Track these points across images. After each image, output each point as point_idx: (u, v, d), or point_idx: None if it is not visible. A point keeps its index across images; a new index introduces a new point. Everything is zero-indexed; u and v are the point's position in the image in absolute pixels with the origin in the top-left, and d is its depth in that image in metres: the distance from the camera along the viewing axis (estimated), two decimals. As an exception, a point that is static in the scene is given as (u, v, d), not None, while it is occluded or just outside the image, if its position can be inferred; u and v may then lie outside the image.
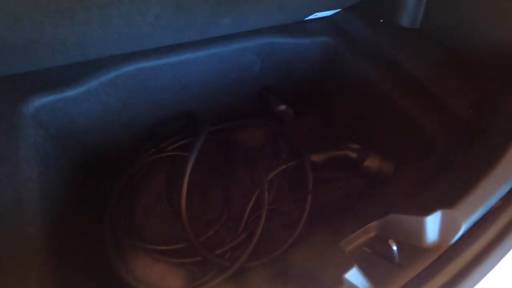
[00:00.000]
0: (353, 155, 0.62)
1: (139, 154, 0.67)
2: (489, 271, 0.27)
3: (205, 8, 0.50)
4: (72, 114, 0.51)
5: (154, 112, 0.64)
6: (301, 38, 0.68)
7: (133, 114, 0.62)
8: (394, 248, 0.28)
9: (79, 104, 0.51)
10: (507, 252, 0.28)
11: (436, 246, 0.28)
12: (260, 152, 0.65)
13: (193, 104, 0.68)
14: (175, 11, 0.47)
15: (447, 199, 0.30)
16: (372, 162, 0.60)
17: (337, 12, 0.72)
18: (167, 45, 0.58)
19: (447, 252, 0.28)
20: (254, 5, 0.55)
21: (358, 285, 0.27)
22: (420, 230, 0.28)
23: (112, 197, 0.58)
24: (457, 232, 0.28)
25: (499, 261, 0.27)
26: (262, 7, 0.57)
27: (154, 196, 0.64)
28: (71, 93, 0.49)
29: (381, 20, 0.68)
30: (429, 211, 0.29)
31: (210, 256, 0.49)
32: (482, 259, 0.27)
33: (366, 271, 0.28)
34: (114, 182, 0.61)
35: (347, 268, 0.27)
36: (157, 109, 0.64)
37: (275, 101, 0.73)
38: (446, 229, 0.28)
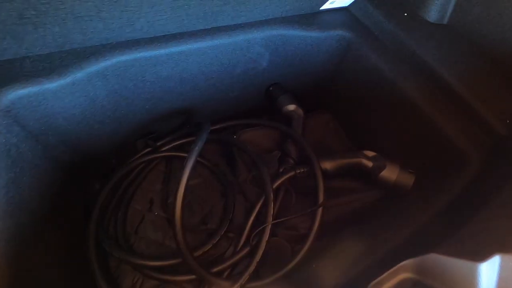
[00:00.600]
0: (368, 163, 0.56)
1: (132, 154, 0.61)
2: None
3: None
4: (54, 109, 0.45)
5: (150, 108, 0.58)
6: (315, 31, 0.61)
7: (126, 110, 0.55)
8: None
9: (62, 97, 0.44)
10: None
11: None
12: (266, 156, 0.59)
13: (194, 99, 0.62)
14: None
15: (505, 239, 0.24)
16: (389, 173, 0.54)
17: (355, 3, 0.65)
18: (167, 34, 0.51)
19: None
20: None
21: None
22: (472, 279, 0.23)
23: (100, 201, 0.52)
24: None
25: None
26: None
27: (147, 201, 0.58)
28: (51, 85, 0.42)
29: (405, 14, 0.61)
30: (484, 255, 0.23)
31: (207, 276, 0.43)
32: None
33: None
34: (103, 185, 0.55)
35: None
36: (154, 104, 0.58)
37: (283, 100, 0.66)
38: (506, 279, 0.22)
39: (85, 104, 0.48)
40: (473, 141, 0.46)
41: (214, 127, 0.67)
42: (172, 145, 0.64)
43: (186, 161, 0.46)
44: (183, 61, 0.53)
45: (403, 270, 0.26)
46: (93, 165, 0.58)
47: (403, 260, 0.27)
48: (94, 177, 0.58)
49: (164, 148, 0.63)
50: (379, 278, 0.26)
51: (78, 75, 0.44)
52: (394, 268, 0.26)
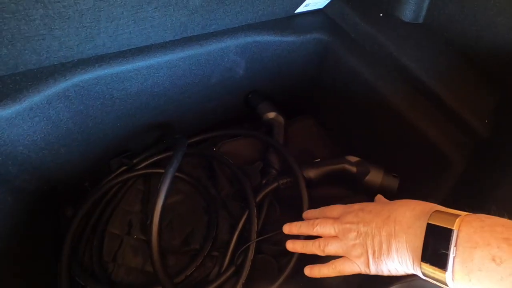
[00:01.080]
0: (353, 169, 0.55)
1: (106, 175, 0.57)
2: None
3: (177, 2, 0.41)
4: (11, 137, 0.41)
5: (122, 125, 0.55)
6: (291, 36, 0.59)
7: (95, 129, 0.52)
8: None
9: (19, 124, 0.41)
10: None
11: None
12: (248, 169, 0.57)
13: (169, 113, 0.59)
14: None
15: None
16: (374, 177, 0.53)
17: (331, 5, 0.63)
18: (133, 48, 0.48)
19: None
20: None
21: None
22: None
23: (72, 230, 0.49)
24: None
25: None
26: (244, -1, 0.49)
27: (125, 224, 0.55)
28: (5, 112, 0.38)
29: (381, 14, 0.60)
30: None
31: None
32: None
33: None
34: (77, 209, 0.52)
35: None
36: (125, 121, 0.54)
37: (262, 107, 0.64)
38: None
39: (47, 129, 0.45)
40: (455, 142, 0.46)
41: (193, 140, 0.64)
42: (149, 161, 0.60)
43: (161, 183, 0.44)
44: (153, 75, 0.50)
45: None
46: (64, 192, 0.54)
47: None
48: (65, 205, 0.55)
49: (140, 166, 0.60)
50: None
51: (35, 98, 0.41)
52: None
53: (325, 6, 0.64)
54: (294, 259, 0.46)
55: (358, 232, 0.30)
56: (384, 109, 0.54)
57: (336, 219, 0.35)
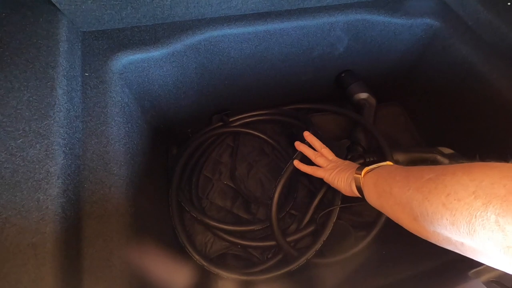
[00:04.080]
0: (444, 160, 0.54)
1: (205, 127, 0.65)
2: None
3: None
4: (153, 75, 0.49)
5: (229, 83, 0.61)
6: (401, 18, 0.59)
7: (208, 83, 0.59)
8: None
9: (161, 65, 0.49)
10: None
11: None
12: (336, 143, 0.59)
13: (268, 79, 0.63)
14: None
15: None
16: (468, 172, 0.51)
17: (449, -10, 0.61)
18: (255, 13, 0.53)
19: None
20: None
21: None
22: None
23: (179, 166, 0.57)
24: None
25: None
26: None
27: (217, 170, 0.62)
28: (156, 53, 0.46)
29: (509, 3, 0.55)
30: None
31: (284, 244, 0.46)
32: None
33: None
34: (182, 150, 0.60)
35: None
36: (232, 80, 0.61)
37: (355, 87, 0.65)
38: None
39: (178, 74, 0.52)
40: None
41: (289, 108, 0.68)
42: (241, 122, 0.67)
43: (287, 166, 0.51)
44: (267, 40, 0.55)
45: None
46: (173, 133, 0.63)
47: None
48: (172, 144, 0.64)
49: (234, 124, 0.66)
50: (480, 267, 0.26)
51: (178, 46, 0.48)
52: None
53: (442, -9, 0.62)
54: (374, 232, 0.49)
55: (336, 167, 0.45)
56: (495, 105, 0.51)
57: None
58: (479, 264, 0.27)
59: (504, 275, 0.26)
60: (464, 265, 0.27)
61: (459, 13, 0.59)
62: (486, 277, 0.26)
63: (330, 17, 0.56)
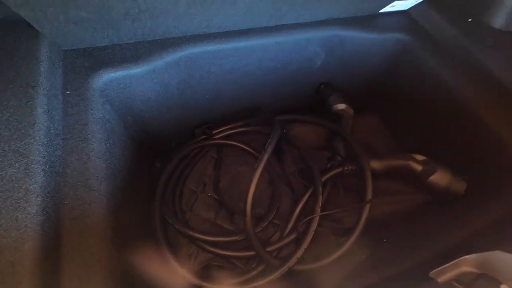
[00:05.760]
0: (418, 167, 0.57)
1: (189, 140, 0.66)
2: None
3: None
4: (135, 91, 0.51)
5: (211, 97, 0.62)
6: (373, 33, 0.62)
7: (190, 98, 0.60)
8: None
9: (143, 82, 0.50)
10: None
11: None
12: (315, 153, 0.62)
13: (250, 92, 0.66)
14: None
15: None
16: (440, 178, 0.54)
17: (416, 7, 0.65)
18: (233, 30, 0.55)
19: None
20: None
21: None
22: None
23: (162, 179, 0.58)
24: None
25: None
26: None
27: (201, 182, 0.63)
28: (137, 70, 0.48)
29: (469, 20, 0.60)
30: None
31: (264, 253, 0.47)
32: None
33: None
34: (165, 163, 0.61)
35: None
36: (214, 94, 0.62)
37: (334, 98, 0.68)
38: None
39: (159, 90, 0.54)
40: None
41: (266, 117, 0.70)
42: (224, 134, 0.68)
43: (257, 163, 0.51)
44: (247, 55, 0.57)
45: (466, 264, 0.28)
46: (157, 147, 0.64)
47: (462, 255, 0.29)
48: (156, 157, 0.64)
49: (217, 137, 0.68)
50: (440, 268, 0.28)
51: (158, 63, 0.49)
52: (456, 260, 0.28)
53: (410, 8, 0.66)
54: (353, 237, 0.50)
55: None
56: (459, 113, 0.55)
57: None
58: (440, 264, 0.29)
59: (464, 274, 0.28)
60: (426, 267, 0.29)
61: (427, 28, 0.63)
62: (446, 276, 0.27)
63: (306, 33, 0.59)
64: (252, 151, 0.68)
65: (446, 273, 0.27)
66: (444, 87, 0.57)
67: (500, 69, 0.52)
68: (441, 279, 0.27)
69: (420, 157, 0.58)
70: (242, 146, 0.68)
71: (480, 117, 0.52)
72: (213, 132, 0.68)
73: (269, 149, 0.51)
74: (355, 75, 0.71)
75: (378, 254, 0.46)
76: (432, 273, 0.27)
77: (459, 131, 0.56)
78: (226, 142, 0.68)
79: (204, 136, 0.67)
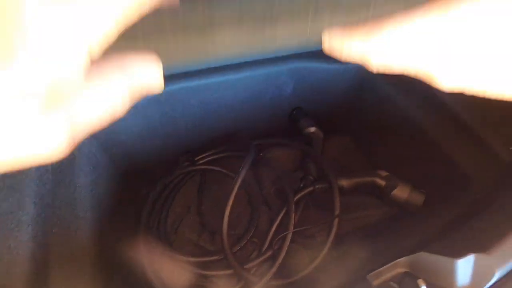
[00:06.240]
0: (381, 182, 0.62)
1: (173, 166, 0.71)
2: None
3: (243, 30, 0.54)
4: (119, 127, 0.56)
5: (191, 127, 0.68)
6: (336, 64, 0.70)
7: (172, 128, 0.66)
8: (423, 288, 0.28)
9: (126, 118, 0.56)
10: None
11: (467, 291, 0.28)
12: (289, 174, 0.67)
13: (229, 120, 0.72)
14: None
15: (482, 243, 0.30)
16: (400, 192, 0.60)
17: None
18: (209, 67, 0.62)
19: (479, 298, 0.28)
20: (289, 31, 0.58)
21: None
22: (451, 272, 0.28)
23: (148, 204, 0.62)
24: (490, 279, 0.28)
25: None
26: (295, 32, 0.60)
27: (185, 206, 0.67)
28: (121, 108, 0.53)
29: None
30: (462, 254, 0.29)
31: (241, 271, 0.51)
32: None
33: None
34: (150, 189, 0.65)
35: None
36: (194, 124, 0.68)
37: (304, 123, 0.75)
38: (478, 274, 0.28)
39: (142, 124, 0.59)
40: (479, 166, 0.51)
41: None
42: (206, 160, 0.73)
43: (234, 182, 0.56)
44: (222, 88, 0.64)
45: (400, 266, 0.32)
46: (142, 174, 0.69)
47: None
48: (141, 184, 0.69)
49: (199, 163, 0.73)
50: (377, 270, 0.32)
51: (141, 102, 0.55)
52: (392, 263, 0.32)
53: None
54: (324, 250, 0.55)
55: None
56: (413, 132, 0.61)
57: None
58: (378, 266, 0.33)
59: (398, 274, 0.32)
60: (364, 270, 0.33)
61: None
62: (383, 278, 0.32)
63: (275, 66, 0.66)
64: (232, 175, 0.73)
65: (384, 274, 0.32)
66: (399, 111, 0.64)
67: (447, 94, 0.59)
68: (377, 281, 0.31)
69: (383, 173, 0.63)
70: (223, 170, 0.73)
71: (432, 139, 0.58)
72: (196, 159, 0.73)
73: (242, 172, 0.56)
74: (324, 100, 0.78)
75: (345, 266, 0.50)
76: (370, 275, 0.32)
77: (416, 150, 0.62)
78: (207, 167, 0.73)
79: (188, 163, 0.72)
